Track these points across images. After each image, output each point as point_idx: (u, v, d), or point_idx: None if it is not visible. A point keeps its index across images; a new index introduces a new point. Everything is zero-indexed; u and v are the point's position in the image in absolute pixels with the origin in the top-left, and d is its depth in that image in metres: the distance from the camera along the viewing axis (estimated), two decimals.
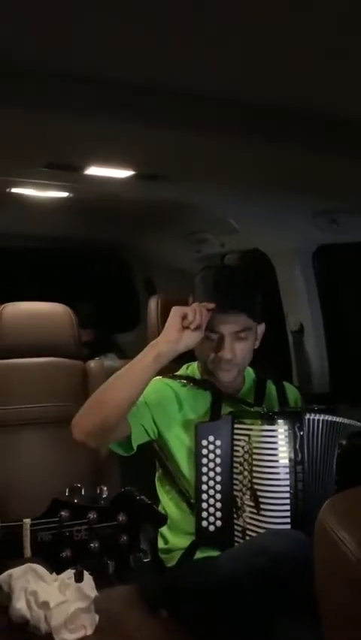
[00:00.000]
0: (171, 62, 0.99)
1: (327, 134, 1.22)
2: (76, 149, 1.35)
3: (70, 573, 0.99)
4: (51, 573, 1.42)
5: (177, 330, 1.46)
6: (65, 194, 2.07)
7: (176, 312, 1.48)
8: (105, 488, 0.99)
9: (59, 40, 0.90)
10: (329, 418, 1.53)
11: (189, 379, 1.66)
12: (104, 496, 0.98)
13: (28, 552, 0.96)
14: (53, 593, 1.40)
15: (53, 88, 1.01)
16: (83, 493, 0.98)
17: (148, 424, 1.57)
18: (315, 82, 1.04)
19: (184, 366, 1.74)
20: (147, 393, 1.54)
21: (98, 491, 0.99)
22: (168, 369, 1.79)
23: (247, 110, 1.15)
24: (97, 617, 1.44)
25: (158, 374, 1.63)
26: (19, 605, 1.38)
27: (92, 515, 0.95)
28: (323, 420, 1.51)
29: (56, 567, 0.97)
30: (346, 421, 1.56)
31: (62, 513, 0.96)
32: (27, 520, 0.96)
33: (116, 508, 0.97)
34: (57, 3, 0.80)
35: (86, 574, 1.35)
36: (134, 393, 1.47)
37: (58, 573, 0.99)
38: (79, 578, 0.98)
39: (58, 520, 0.95)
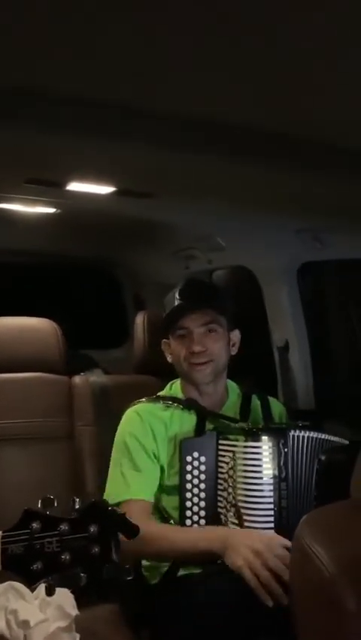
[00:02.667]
0: (156, 82, 1.00)
1: (310, 154, 1.23)
2: (56, 165, 1.36)
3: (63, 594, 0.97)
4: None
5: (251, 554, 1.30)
6: (52, 210, 2.08)
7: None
8: (78, 500, 0.97)
9: (43, 58, 0.91)
10: (314, 435, 1.53)
11: (173, 399, 1.66)
12: (77, 507, 0.96)
13: None
14: (34, 612, 1.38)
15: (33, 104, 1.02)
16: (55, 504, 0.96)
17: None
18: (299, 104, 1.06)
19: (168, 385, 1.74)
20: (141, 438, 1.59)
21: (71, 502, 0.97)
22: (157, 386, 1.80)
23: (232, 130, 1.17)
24: (78, 637, 1.42)
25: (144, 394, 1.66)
26: None
27: (63, 527, 0.94)
28: (307, 437, 1.52)
29: (28, 580, 0.95)
30: (330, 437, 1.56)
31: (33, 525, 0.94)
32: None
33: (87, 519, 0.95)
34: (33, 17, 0.81)
35: (67, 592, 1.34)
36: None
37: (29, 586, 0.97)
38: (50, 592, 0.95)
39: (29, 532, 0.94)
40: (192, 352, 1.60)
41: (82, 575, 0.93)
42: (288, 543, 1.24)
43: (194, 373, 1.63)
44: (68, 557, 0.93)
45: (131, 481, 1.55)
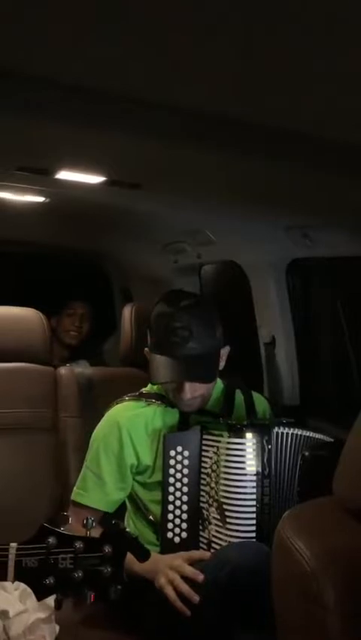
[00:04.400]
0: (149, 73, 0.99)
1: (299, 149, 1.23)
2: (46, 152, 1.34)
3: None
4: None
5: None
6: (41, 199, 2.06)
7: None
8: (92, 519, 1.00)
9: (35, 44, 0.90)
10: (298, 432, 1.54)
11: (157, 397, 1.65)
12: (91, 526, 0.99)
13: (11, 576, 0.97)
14: (13, 602, 1.38)
15: (26, 90, 1.00)
16: (70, 521, 1.02)
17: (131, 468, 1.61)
18: (291, 100, 1.06)
19: (149, 385, 1.73)
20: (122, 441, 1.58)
21: (85, 521, 1.00)
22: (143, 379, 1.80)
23: (224, 123, 1.16)
24: (57, 628, 1.42)
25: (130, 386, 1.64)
26: None
27: (78, 545, 0.96)
28: (291, 433, 1.52)
29: (38, 593, 0.97)
30: (314, 434, 1.57)
31: (50, 540, 0.96)
32: (13, 545, 0.97)
33: (103, 539, 0.98)
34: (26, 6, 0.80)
35: None
36: None
37: (39, 600, 0.99)
38: (59, 606, 0.98)
39: (45, 547, 0.96)
40: (182, 397, 1.57)
41: (89, 593, 0.95)
42: (205, 554, 1.41)
43: (181, 406, 1.61)
44: (80, 575, 0.95)
45: (92, 489, 1.59)
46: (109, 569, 0.96)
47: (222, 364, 1.65)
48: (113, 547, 0.97)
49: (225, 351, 1.65)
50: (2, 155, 1.40)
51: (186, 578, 1.36)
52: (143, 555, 1.00)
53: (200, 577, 1.34)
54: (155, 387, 1.70)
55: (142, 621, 1.45)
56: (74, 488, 1.63)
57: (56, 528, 0.97)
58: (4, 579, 0.97)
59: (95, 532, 0.99)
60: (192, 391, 1.56)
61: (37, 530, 0.97)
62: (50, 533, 0.97)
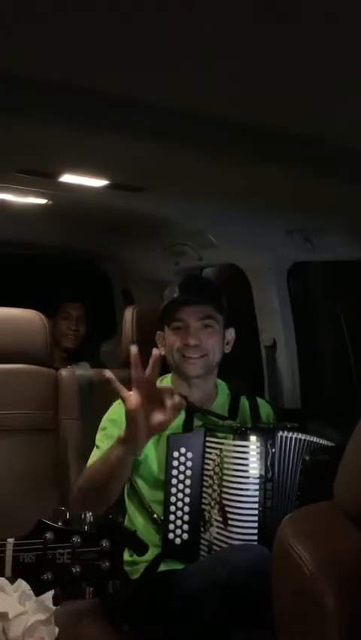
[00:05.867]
0: (151, 77, 1.00)
1: (302, 154, 1.24)
2: (50, 155, 1.35)
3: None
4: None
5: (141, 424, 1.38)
6: (43, 201, 2.07)
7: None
8: (90, 514, 1.00)
9: (39, 47, 0.90)
10: (301, 437, 1.54)
11: None
12: (89, 521, 0.99)
13: (8, 572, 0.96)
14: (13, 604, 1.38)
15: (27, 93, 1.01)
16: (67, 516, 0.99)
17: None
18: (292, 103, 1.06)
19: (158, 380, 1.74)
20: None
21: (83, 516, 0.99)
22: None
23: (224, 127, 1.17)
24: (57, 630, 1.42)
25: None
26: None
27: (76, 539, 0.96)
28: (294, 438, 1.52)
29: (36, 589, 0.97)
30: (317, 439, 1.57)
31: (47, 535, 0.96)
32: (10, 540, 0.96)
33: (100, 534, 0.97)
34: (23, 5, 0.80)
35: None
36: (119, 486, 1.49)
37: (37, 595, 0.99)
38: (57, 602, 0.98)
39: (42, 542, 0.95)
40: (187, 345, 1.60)
41: (88, 588, 0.94)
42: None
43: (186, 366, 1.63)
44: (78, 570, 0.95)
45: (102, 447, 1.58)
46: (107, 564, 0.95)
47: (228, 348, 1.69)
48: (111, 541, 0.96)
49: (230, 334, 1.69)
50: (4, 156, 1.40)
51: None
52: (141, 549, 1.00)
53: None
54: (162, 383, 1.71)
55: (142, 623, 1.45)
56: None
57: (54, 523, 0.97)
58: (2, 575, 0.96)
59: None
60: (197, 338, 1.60)
61: (35, 525, 0.97)
62: (47, 528, 0.96)
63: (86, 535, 0.96)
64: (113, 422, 1.61)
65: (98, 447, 1.61)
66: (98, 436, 1.65)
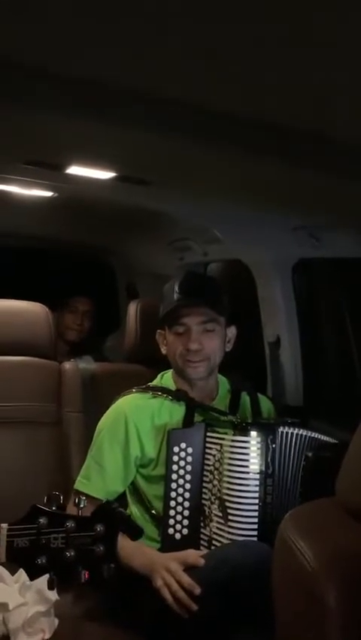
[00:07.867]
0: (160, 69, 0.99)
1: (308, 150, 1.23)
2: (57, 147, 1.34)
3: (43, 579, 0.99)
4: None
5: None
6: (49, 194, 2.06)
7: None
8: (84, 498, 1.00)
9: (45, 38, 0.90)
10: (302, 432, 1.53)
11: (163, 390, 1.66)
12: (82, 505, 0.99)
13: (3, 557, 0.96)
14: (13, 595, 1.38)
15: (35, 84, 1.00)
16: (61, 501, 0.99)
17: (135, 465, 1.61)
18: (299, 99, 1.06)
19: (159, 376, 1.74)
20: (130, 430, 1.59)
21: (77, 500, 0.99)
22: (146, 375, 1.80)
23: (232, 122, 1.17)
24: (56, 621, 1.42)
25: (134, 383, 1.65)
26: None
27: (70, 524, 0.96)
28: (295, 433, 1.52)
29: (30, 573, 0.97)
30: (318, 435, 1.57)
31: (41, 520, 0.96)
32: (4, 525, 0.97)
33: (94, 518, 0.97)
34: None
35: (48, 577, 1.35)
36: None
37: (31, 579, 0.99)
38: (52, 586, 0.98)
39: (36, 527, 0.95)
40: (189, 350, 1.59)
41: (82, 571, 0.94)
42: (200, 561, 1.37)
43: (188, 370, 1.62)
44: (72, 554, 0.95)
45: (94, 478, 1.59)
46: (102, 548, 0.95)
47: (229, 346, 1.68)
48: (106, 525, 0.96)
49: (231, 332, 1.68)
50: (11, 148, 1.40)
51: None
52: (135, 533, 1.00)
53: (197, 590, 1.32)
54: (162, 380, 1.71)
55: (142, 618, 1.45)
56: (78, 477, 1.63)
57: (48, 508, 0.97)
58: None
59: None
60: (198, 342, 1.59)
61: (28, 510, 0.97)
62: (41, 513, 0.96)
63: (81, 519, 0.96)
64: (111, 433, 1.61)
65: (92, 457, 1.62)
66: (94, 444, 1.64)
